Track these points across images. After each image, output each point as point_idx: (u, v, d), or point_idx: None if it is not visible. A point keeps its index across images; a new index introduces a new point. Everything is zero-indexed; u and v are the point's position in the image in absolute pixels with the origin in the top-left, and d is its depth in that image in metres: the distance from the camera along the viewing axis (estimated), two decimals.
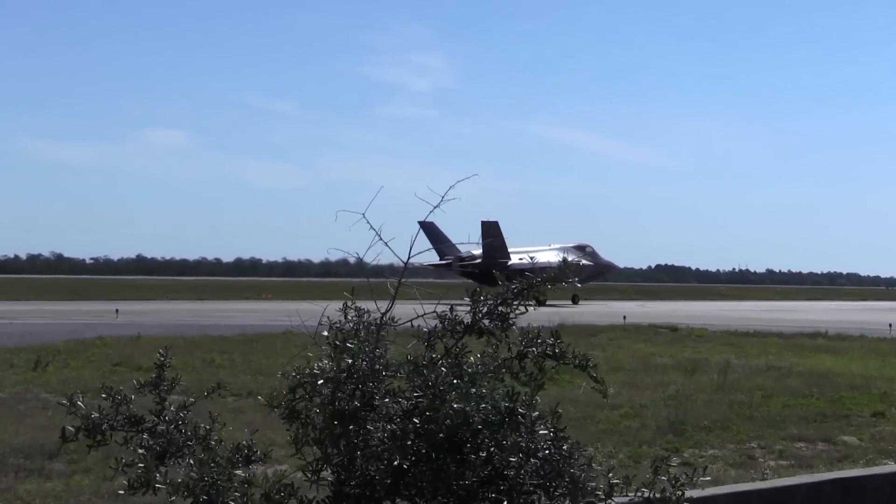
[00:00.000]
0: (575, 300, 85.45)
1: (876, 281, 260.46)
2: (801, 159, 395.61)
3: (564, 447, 5.30)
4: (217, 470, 5.12)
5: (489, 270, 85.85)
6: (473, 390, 5.24)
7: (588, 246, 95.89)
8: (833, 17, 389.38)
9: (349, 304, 5.83)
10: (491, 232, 78.04)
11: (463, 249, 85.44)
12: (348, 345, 5.53)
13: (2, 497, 11.48)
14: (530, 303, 5.90)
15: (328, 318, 5.82)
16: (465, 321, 5.81)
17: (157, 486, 5.11)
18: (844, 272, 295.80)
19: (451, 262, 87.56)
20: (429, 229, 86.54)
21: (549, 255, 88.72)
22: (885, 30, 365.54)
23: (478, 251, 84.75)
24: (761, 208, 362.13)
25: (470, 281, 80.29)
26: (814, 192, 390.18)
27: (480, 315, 5.81)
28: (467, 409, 5.11)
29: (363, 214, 5.99)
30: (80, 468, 12.55)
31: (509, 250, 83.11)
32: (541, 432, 5.30)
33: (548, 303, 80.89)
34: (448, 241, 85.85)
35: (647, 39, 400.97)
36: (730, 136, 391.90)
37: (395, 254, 6.07)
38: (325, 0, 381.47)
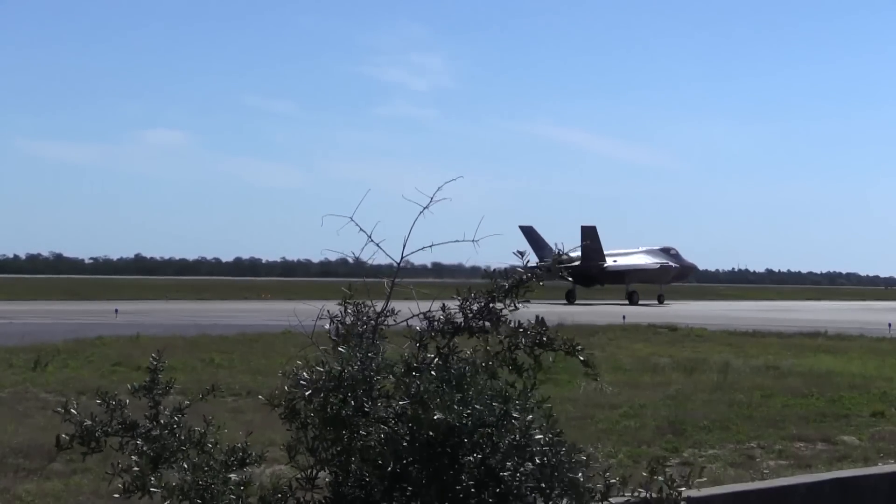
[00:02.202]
0: (661, 300, 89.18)
1: (875, 281, 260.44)
2: (800, 159, 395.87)
3: (562, 451, 5.28)
4: (210, 473, 5.10)
5: (588, 272, 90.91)
6: (459, 395, 5.21)
7: (672, 248, 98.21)
8: (833, 16, 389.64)
9: (348, 300, 5.81)
10: (589, 236, 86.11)
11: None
12: (340, 349, 5.52)
13: (1, 497, 11.47)
14: (523, 300, 5.88)
15: (328, 311, 5.81)
16: (457, 321, 5.78)
17: (151, 489, 5.08)
18: (844, 272, 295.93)
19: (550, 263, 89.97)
20: (529, 233, 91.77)
21: (637, 258, 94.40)
22: (885, 30, 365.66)
23: (575, 254, 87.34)
24: (761, 208, 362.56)
25: (569, 281, 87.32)
26: (813, 192, 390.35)
27: (471, 314, 5.79)
28: (449, 418, 5.08)
29: (351, 218, 5.99)
30: (80, 468, 12.52)
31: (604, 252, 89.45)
32: (536, 437, 5.28)
33: (640, 302, 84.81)
34: (547, 244, 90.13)
35: (647, 40, 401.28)
36: (730, 136, 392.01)
37: (387, 254, 6.08)
38: (323, 0, 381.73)
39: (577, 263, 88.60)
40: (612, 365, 25.83)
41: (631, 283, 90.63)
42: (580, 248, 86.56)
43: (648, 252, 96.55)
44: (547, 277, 6.07)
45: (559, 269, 6.24)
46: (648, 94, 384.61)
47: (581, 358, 5.83)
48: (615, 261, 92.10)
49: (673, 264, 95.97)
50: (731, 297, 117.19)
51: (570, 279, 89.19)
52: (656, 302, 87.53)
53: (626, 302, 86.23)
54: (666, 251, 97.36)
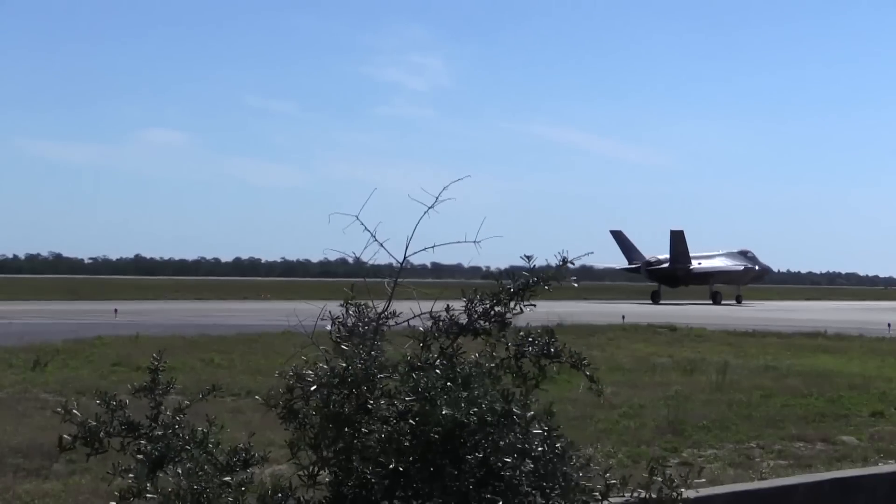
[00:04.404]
0: (739, 300, 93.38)
1: (874, 280, 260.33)
2: (800, 159, 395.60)
3: (558, 446, 5.28)
4: (205, 478, 5.06)
5: (675, 273, 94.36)
6: (465, 394, 5.21)
7: (749, 251, 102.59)
8: (832, 17, 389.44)
9: (350, 300, 5.81)
10: (677, 239, 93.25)
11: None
12: (343, 347, 5.52)
13: (1, 497, 11.47)
14: (530, 303, 5.87)
15: (330, 312, 5.80)
16: (461, 321, 5.78)
17: (147, 496, 5.05)
18: (843, 272, 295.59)
19: (640, 266, 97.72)
20: (619, 237, 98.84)
21: (720, 261, 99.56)
22: (884, 30, 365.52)
23: (662, 256, 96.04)
24: (760, 208, 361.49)
25: (655, 283, 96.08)
26: (813, 191, 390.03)
27: (476, 315, 5.79)
28: (457, 414, 5.09)
29: (357, 216, 5.98)
30: (79, 468, 12.53)
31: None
32: (534, 432, 5.28)
33: (722, 302, 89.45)
34: (635, 248, 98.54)
35: (646, 40, 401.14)
36: (729, 135, 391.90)
37: (390, 254, 6.07)
38: (323, 1, 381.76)
39: (665, 266, 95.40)
40: (612, 365, 25.81)
41: (714, 285, 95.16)
42: (670, 252, 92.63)
43: (728, 255, 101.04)
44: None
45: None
46: (648, 94, 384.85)
47: (587, 374, 5.83)
48: (700, 263, 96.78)
49: (754, 266, 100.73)
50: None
51: (655, 280, 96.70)
52: (734, 302, 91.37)
53: (710, 302, 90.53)
54: (744, 254, 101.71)
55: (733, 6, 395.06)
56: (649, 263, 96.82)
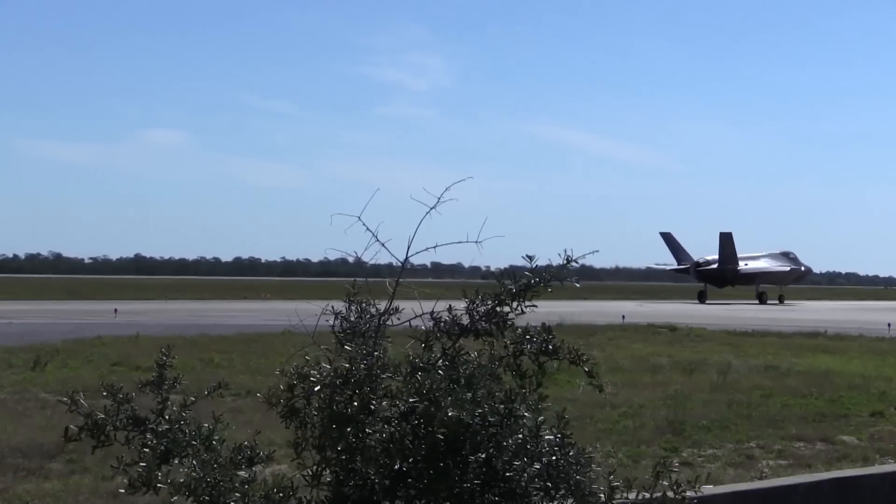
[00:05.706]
0: (781, 300, 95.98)
1: (874, 280, 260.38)
2: (799, 159, 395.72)
3: (571, 453, 5.26)
4: (219, 470, 5.08)
5: (723, 274, 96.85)
6: (469, 395, 5.21)
7: (791, 252, 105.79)
8: (831, 17, 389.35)
9: (352, 296, 5.80)
10: (725, 241, 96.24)
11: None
12: (346, 347, 5.52)
13: (1, 497, 11.48)
14: (531, 304, 5.85)
15: (332, 307, 5.80)
16: (463, 322, 5.77)
17: (158, 485, 5.06)
18: (843, 272, 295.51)
19: (689, 266, 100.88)
20: (668, 239, 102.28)
21: (764, 262, 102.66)
22: (883, 30, 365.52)
23: (710, 257, 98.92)
24: (759, 208, 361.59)
25: (701, 284, 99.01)
26: (813, 192, 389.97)
27: (478, 316, 5.77)
28: (462, 415, 5.08)
29: (359, 217, 5.98)
30: (79, 468, 12.55)
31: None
32: (546, 437, 5.26)
33: (768, 302, 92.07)
34: (684, 249, 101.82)
35: (646, 40, 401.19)
36: (728, 135, 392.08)
37: (392, 254, 6.07)
38: (323, 1, 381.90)
39: (713, 267, 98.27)
40: (612, 365, 25.81)
41: (760, 285, 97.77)
42: (718, 253, 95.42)
43: (771, 256, 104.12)
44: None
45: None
46: (647, 95, 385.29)
47: (586, 369, 5.81)
48: (746, 264, 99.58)
49: (799, 267, 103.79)
50: (732, 296, 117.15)
51: (703, 281, 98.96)
52: (777, 302, 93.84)
53: (756, 302, 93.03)
54: (786, 255, 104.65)
55: (734, 7, 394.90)
56: (698, 265, 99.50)
